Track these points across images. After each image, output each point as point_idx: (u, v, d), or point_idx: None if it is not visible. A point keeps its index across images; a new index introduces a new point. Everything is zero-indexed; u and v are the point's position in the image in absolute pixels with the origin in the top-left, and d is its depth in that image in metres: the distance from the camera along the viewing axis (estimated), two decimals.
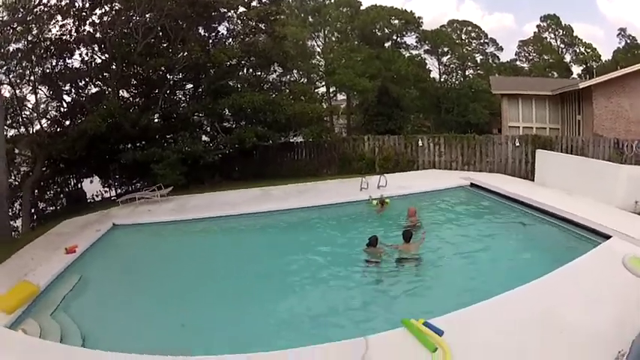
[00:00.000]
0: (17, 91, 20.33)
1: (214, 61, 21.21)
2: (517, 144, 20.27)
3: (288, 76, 28.80)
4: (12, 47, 19.45)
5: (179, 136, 21.15)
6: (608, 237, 10.06)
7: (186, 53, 21.10)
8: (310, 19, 45.69)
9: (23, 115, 20.84)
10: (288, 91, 24.82)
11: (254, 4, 23.20)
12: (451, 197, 16.14)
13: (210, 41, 23.74)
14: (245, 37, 23.41)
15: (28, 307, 8.65)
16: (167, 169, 19.39)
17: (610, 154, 17.79)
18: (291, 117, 21.00)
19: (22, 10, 18.75)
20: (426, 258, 10.18)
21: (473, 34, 52.49)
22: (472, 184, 17.21)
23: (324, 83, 43.84)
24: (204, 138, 23.26)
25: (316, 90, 39.66)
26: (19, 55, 19.59)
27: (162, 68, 21.70)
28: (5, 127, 18.75)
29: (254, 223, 14.48)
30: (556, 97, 28.73)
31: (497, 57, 53.68)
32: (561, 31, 53.57)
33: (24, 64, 20.00)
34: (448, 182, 17.53)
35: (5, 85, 19.70)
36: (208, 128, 23.69)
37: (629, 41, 49.11)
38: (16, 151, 20.78)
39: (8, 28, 18.84)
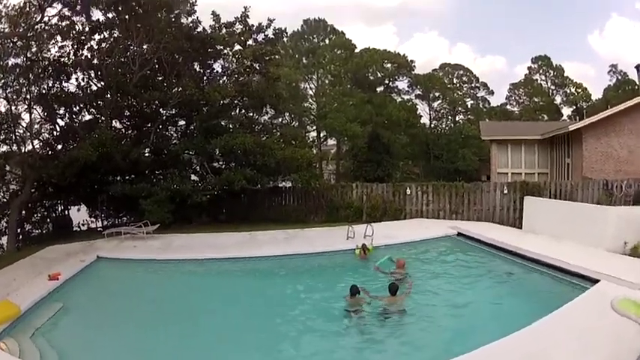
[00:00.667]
0: (13, 107, 20.27)
1: (208, 99, 21.36)
2: (505, 191, 20.33)
3: (280, 119, 28.94)
4: (11, 61, 19.56)
5: (168, 173, 21.11)
6: (596, 281, 10.06)
7: (180, 89, 21.29)
8: (304, 61, 46.53)
9: (17, 133, 20.73)
10: (279, 134, 24.82)
11: (250, 42, 23.49)
12: (438, 247, 15.98)
13: (205, 78, 23.99)
14: (239, 77, 23.57)
15: (8, 327, 8.67)
16: (155, 205, 19.28)
17: (599, 196, 17.86)
18: (281, 161, 20.94)
19: (23, 24, 18.94)
20: (410, 309, 9.95)
21: (464, 78, 53.80)
22: (459, 234, 17.09)
23: (315, 127, 44.23)
24: (193, 177, 23.14)
25: (307, 134, 40.00)
26: (17, 70, 19.66)
27: (157, 102, 21.84)
28: None
29: (240, 268, 14.25)
30: (545, 141, 29.14)
31: (488, 101, 55.06)
32: (552, 71, 55.19)
33: (21, 81, 20.04)
34: (435, 232, 17.41)
35: (1, 100, 19.75)
36: (198, 167, 23.57)
37: (620, 77, 50.59)
38: (7, 168, 20.68)
39: (8, 41, 18.96)
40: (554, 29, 74.00)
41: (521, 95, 56.88)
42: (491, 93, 55.17)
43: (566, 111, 54.51)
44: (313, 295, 11.88)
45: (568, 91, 54.70)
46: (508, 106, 56.92)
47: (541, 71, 56.19)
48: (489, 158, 32.67)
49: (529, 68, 56.98)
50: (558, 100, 55.65)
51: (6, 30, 18.75)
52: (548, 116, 51.34)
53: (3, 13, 18.40)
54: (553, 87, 55.74)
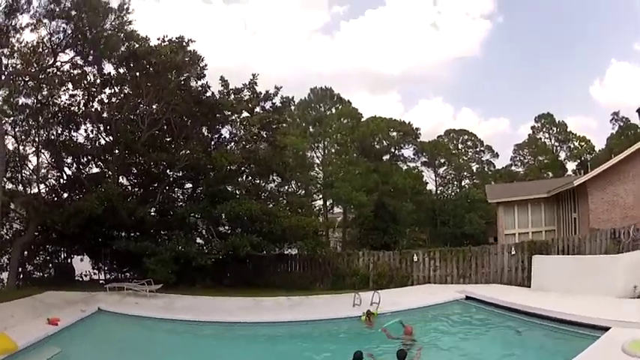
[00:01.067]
0: (21, 147, 20.89)
1: (215, 164, 21.75)
2: (513, 252, 20.05)
3: (286, 187, 29.20)
4: (21, 100, 20.40)
5: (174, 234, 21.26)
6: (607, 329, 9.89)
7: (188, 152, 21.83)
8: (311, 129, 47.32)
9: (23, 174, 21.33)
10: (285, 202, 25.15)
11: (257, 109, 24.09)
12: (446, 312, 15.58)
13: (213, 143, 24.54)
14: (247, 144, 24.03)
15: None
16: (159, 264, 19.24)
17: (607, 246, 17.56)
18: (287, 229, 21.03)
19: (35, 65, 19.68)
20: None
21: (469, 143, 54.67)
22: (467, 297, 16.74)
23: (321, 195, 44.53)
24: (198, 240, 23.22)
25: (313, 202, 40.25)
26: (27, 111, 20.40)
27: (164, 163, 22.30)
28: (4, 178, 19.22)
29: (244, 333, 13.95)
30: (551, 199, 29.09)
31: (493, 164, 55.79)
32: (555, 128, 56.14)
33: (30, 122, 20.74)
34: (443, 297, 16.99)
35: (10, 137, 20.25)
36: (203, 231, 23.61)
37: (622, 124, 50.88)
38: (12, 206, 21.02)
39: (20, 79, 19.69)
40: (556, 86, 75.27)
41: (525, 155, 57.65)
42: (496, 155, 56.17)
43: (571, 165, 55.25)
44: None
45: (572, 146, 55.56)
46: (513, 167, 57.64)
47: (544, 129, 57.31)
48: (496, 220, 32.53)
49: (532, 127, 58.24)
50: (562, 155, 56.52)
51: (18, 66, 19.50)
52: (553, 173, 51.71)
53: (16, 48, 19.11)
54: (557, 143, 56.64)
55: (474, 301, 16.16)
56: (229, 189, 23.65)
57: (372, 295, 16.14)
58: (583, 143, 54.77)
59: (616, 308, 11.36)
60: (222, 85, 23.68)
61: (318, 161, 47.06)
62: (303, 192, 40.38)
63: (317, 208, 42.75)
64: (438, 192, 53.09)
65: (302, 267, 23.45)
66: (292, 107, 33.67)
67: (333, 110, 48.54)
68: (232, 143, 24.79)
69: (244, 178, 25.16)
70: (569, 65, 72.62)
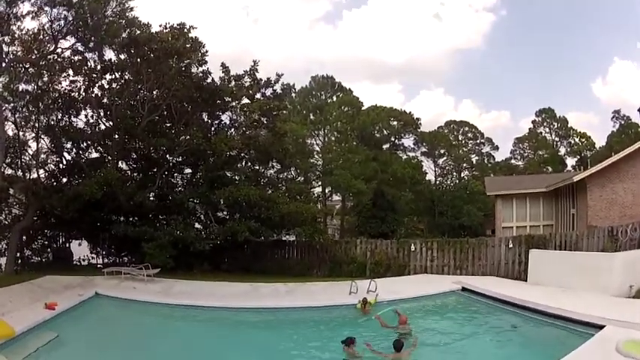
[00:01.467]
0: (20, 133, 20.87)
1: (214, 150, 21.73)
2: (510, 245, 20.10)
3: (285, 173, 29.12)
4: (22, 87, 20.31)
5: (172, 219, 21.25)
6: (602, 327, 9.90)
7: (187, 137, 21.76)
8: (312, 117, 47.22)
9: (23, 159, 21.36)
10: (284, 188, 25.19)
11: (258, 96, 24.01)
12: (442, 302, 15.74)
13: (213, 129, 24.48)
14: (247, 130, 24.00)
15: (1, 346, 8.87)
16: (157, 249, 19.33)
17: (604, 243, 17.59)
18: (286, 215, 21.06)
19: (36, 51, 19.65)
20: None
21: (469, 135, 54.63)
22: (464, 289, 16.79)
23: (320, 183, 44.55)
24: (197, 225, 23.28)
25: (312, 189, 40.25)
26: (28, 97, 20.34)
27: (164, 148, 22.29)
28: (4, 164, 19.34)
29: (238, 318, 14.03)
30: (550, 193, 29.17)
31: (493, 156, 55.82)
32: (556, 123, 56.02)
33: (30, 108, 20.72)
34: (439, 287, 17.08)
35: (10, 124, 20.27)
36: (202, 216, 23.71)
37: (623, 122, 50.82)
38: (11, 191, 21.19)
39: (20, 66, 19.65)
40: (558, 81, 75.76)
41: (525, 149, 57.65)
42: (496, 148, 56.23)
43: (571, 161, 55.16)
44: (313, 347, 11.58)
45: (572, 142, 55.50)
46: (513, 161, 57.67)
47: (545, 124, 57.19)
48: (494, 213, 32.61)
49: (533, 122, 58.15)
50: (562, 151, 56.49)
51: (19, 53, 19.44)
52: (552, 167, 51.74)
53: (17, 36, 19.07)
54: (557, 139, 56.57)
55: (470, 293, 16.21)
56: (229, 175, 23.68)
57: (368, 284, 16.23)
58: (583, 139, 54.72)
59: (611, 307, 11.39)
60: (223, 72, 23.59)
61: (317, 148, 46.98)
62: (303, 179, 40.36)
63: (316, 195, 42.74)
64: (437, 182, 53.14)
65: (299, 254, 23.48)
66: (293, 94, 33.56)
67: (334, 98, 48.31)
68: (232, 129, 24.70)
69: (244, 164, 25.08)
70: (571, 61, 72.81)
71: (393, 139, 50.35)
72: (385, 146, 49.47)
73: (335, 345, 10.53)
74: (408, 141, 51.08)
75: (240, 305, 14.75)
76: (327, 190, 46.50)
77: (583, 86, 78.39)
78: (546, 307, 12.38)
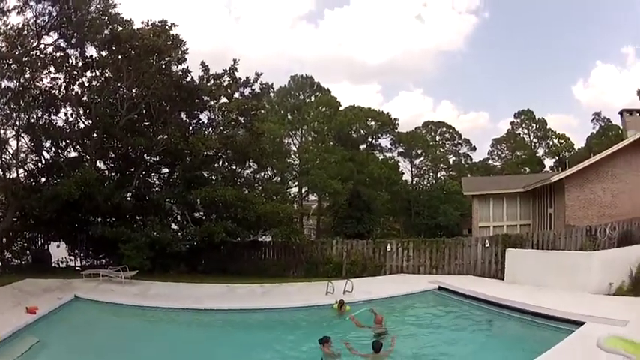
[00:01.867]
0: (1, 132, 20.49)
1: (192, 149, 21.49)
2: (487, 245, 20.27)
3: (262, 173, 29.02)
4: (4, 83, 19.90)
5: (149, 220, 21.01)
6: (581, 323, 10.07)
7: (165, 136, 21.52)
8: (289, 117, 47.19)
9: (3, 159, 20.87)
10: (261, 188, 25.08)
11: (236, 95, 23.84)
12: (419, 301, 15.82)
13: (191, 128, 24.20)
14: (224, 129, 23.81)
15: None
16: (134, 250, 19.13)
17: (582, 242, 17.86)
18: (262, 216, 20.95)
19: (19, 47, 19.35)
20: None
21: (447, 135, 55.06)
22: (440, 287, 16.92)
23: (297, 183, 44.51)
24: (173, 226, 22.98)
25: (289, 189, 40.17)
26: (9, 94, 19.93)
27: (142, 147, 21.96)
28: None
29: (215, 320, 14.08)
30: (527, 194, 29.54)
31: (470, 157, 56.21)
32: (535, 125, 56.82)
33: (12, 106, 20.28)
34: (416, 286, 17.20)
35: None
36: (179, 217, 23.40)
37: (603, 124, 51.39)
38: None
39: (4, 62, 19.26)
40: (539, 83, 76.72)
41: (503, 150, 58.35)
42: (474, 149, 56.84)
43: (549, 162, 56.12)
44: (290, 347, 11.60)
45: (550, 143, 56.29)
46: (490, 161, 58.28)
47: (524, 125, 57.91)
48: (471, 213, 32.89)
49: (512, 123, 58.80)
50: (540, 152, 57.26)
51: (3, 49, 19.18)
52: (530, 168, 52.45)
53: (2, 31, 18.89)
54: (535, 140, 57.33)
55: (447, 292, 16.37)
56: (205, 175, 23.47)
57: (345, 284, 16.23)
58: (562, 141, 55.59)
59: (590, 304, 11.58)
60: (202, 70, 23.42)
61: (294, 148, 46.95)
62: (279, 179, 40.27)
63: (292, 195, 42.72)
64: (414, 183, 53.53)
65: (276, 254, 23.31)
66: (271, 94, 33.34)
67: (312, 98, 48.31)
68: (210, 129, 24.47)
69: (220, 164, 24.88)
70: (553, 64, 74.40)
71: (370, 140, 50.59)
72: (362, 147, 49.70)
73: (311, 345, 10.52)
74: (385, 141, 51.47)
75: (217, 307, 14.72)
76: (303, 191, 46.51)
77: (564, 89, 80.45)
78: (524, 304, 12.55)
